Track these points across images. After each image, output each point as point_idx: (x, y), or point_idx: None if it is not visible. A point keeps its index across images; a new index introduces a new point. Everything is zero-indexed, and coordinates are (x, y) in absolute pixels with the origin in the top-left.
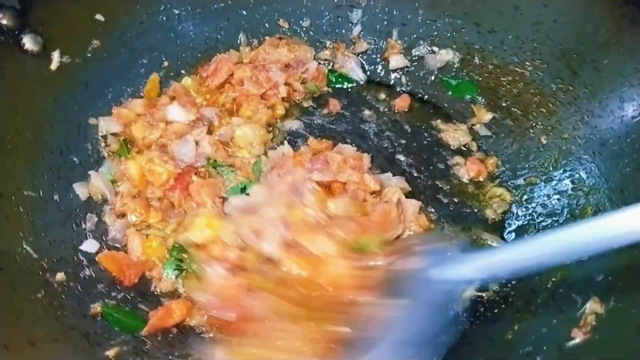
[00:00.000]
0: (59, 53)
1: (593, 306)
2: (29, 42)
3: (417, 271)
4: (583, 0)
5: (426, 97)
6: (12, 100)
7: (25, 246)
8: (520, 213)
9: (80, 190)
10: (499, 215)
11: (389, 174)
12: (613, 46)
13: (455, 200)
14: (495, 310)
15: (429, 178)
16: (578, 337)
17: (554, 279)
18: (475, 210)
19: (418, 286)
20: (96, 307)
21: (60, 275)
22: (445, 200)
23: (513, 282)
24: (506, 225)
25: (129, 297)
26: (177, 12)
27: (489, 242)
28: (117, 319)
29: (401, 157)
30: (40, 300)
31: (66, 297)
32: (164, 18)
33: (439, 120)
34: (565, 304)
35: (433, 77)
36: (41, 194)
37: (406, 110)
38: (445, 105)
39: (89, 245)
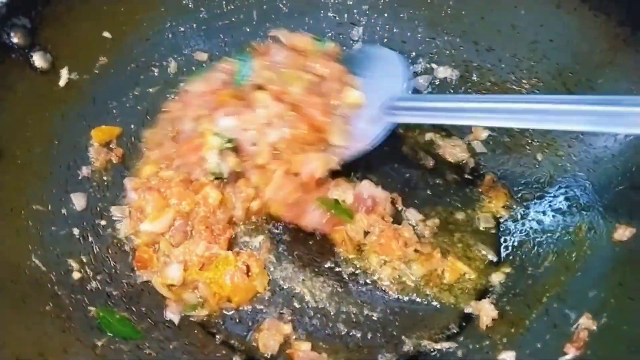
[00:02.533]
0: (67, 70)
1: (586, 322)
2: (38, 60)
3: None
4: (579, 20)
5: None
6: (22, 116)
7: (34, 259)
8: (515, 228)
9: (77, 200)
10: (493, 230)
11: None
12: (607, 66)
13: (450, 210)
14: (490, 325)
15: (424, 188)
16: (571, 352)
17: (548, 294)
18: (470, 223)
19: None
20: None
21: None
22: (440, 211)
23: (509, 296)
24: (502, 240)
25: (128, 307)
26: (182, 29)
27: (485, 255)
28: (110, 324)
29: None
30: (49, 312)
31: (73, 309)
32: (170, 35)
33: (437, 136)
34: (559, 319)
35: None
36: (50, 207)
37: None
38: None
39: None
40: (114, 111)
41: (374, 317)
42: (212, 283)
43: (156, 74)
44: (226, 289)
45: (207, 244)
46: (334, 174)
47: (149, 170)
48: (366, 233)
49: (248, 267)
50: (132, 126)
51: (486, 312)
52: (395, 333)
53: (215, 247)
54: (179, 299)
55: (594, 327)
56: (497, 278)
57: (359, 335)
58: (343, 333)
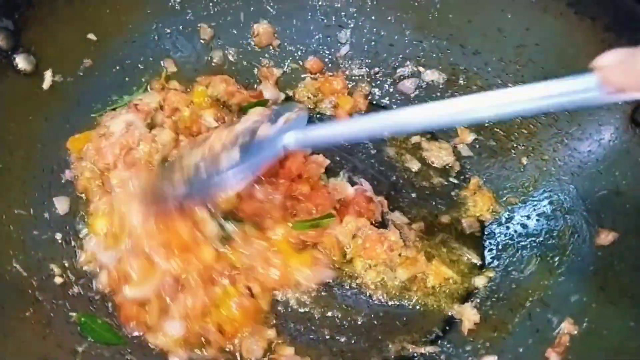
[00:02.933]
0: (52, 72)
1: (567, 327)
2: (21, 62)
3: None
4: (565, 25)
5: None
6: (5, 119)
7: (15, 264)
8: (499, 232)
9: (60, 204)
10: (478, 234)
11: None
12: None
13: (435, 214)
14: (473, 329)
15: (409, 192)
16: (552, 357)
17: (531, 299)
18: (455, 226)
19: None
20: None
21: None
22: (425, 214)
23: (493, 300)
24: (486, 244)
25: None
26: (168, 30)
27: (469, 258)
28: (91, 329)
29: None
30: (29, 318)
31: (55, 315)
32: (156, 36)
33: (423, 139)
34: (541, 323)
35: (418, 98)
36: (32, 212)
37: None
38: None
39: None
40: (99, 114)
41: (358, 322)
42: (221, 323)
43: (142, 76)
44: (237, 321)
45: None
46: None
47: (101, 224)
48: (352, 237)
49: (249, 287)
50: None
51: (468, 316)
52: (379, 337)
53: (215, 289)
54: (184, 345)
55: (576, 332)
56: (480, 282)
57: (343, 339)
58: (327, 337)
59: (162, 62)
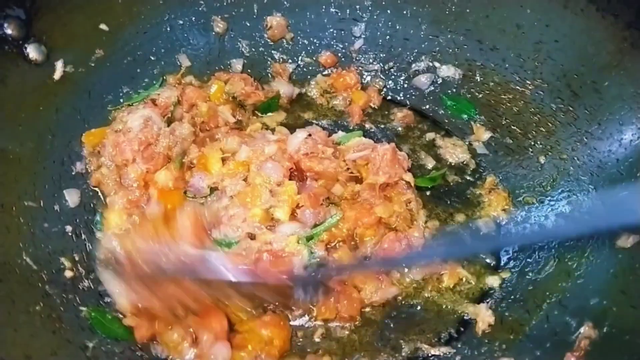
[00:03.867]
0: (63, 62)
1: (587, 331)
2: (33, 52)
3: None
4: (585, 21)
5: (426, 112)
6: (15, 110)
7: (25, 257)
8: (516, 232)
9: (70, 196)
10: (493, 233)
11: None
12: (614, 69)
13: (450, 212)
14: (488, 330)
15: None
16: None
17: (548, 301)
18: (471, 226)
19: None
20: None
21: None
22: (440, 212)
23: (509, 301)
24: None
25: None
26: (181, 22)
27: (485, 258)
28: (101, 324)
29: None
30: (38, 312)
31: (64, 310)
32: (168, 28)
33: (438, 136)
34: (560, 326)
35: (433, 93)
36: (42, 204)
37: (407, 124)
38: (445, 121)
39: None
40: (110, 106)
41: (372, 320)
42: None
43: (154, 68)
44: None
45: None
46: None
47: (117, 219)
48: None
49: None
50: None
51: (483, 317)
52: (392, 336)
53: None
54: None
55: (596, 336)
56: (496, 283)
57: (356, 337)
58: (341, 335)
59: (176, 57)
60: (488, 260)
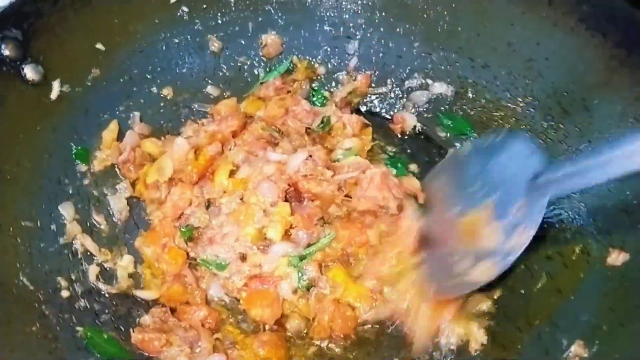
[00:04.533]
0: (59, 82)
1: (577, 350)
2: (30, 72)
3: None
4: (575, 40)
5: (419, 128)
6: (12, 130)
7: (21, 278)
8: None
9: (66, 210)
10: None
11: None
12: (603, 87)
13: None
14: (480, 349)
15: None
16: None
17: (540, 318)
18: None
19: None
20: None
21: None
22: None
23: (500, 318)
24: None
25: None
26: (176, 40)
27: None
28: (97, 344)
29: None
30: (35, 333)
31: (61, 330)
32: (164, 47)
33: (433, 151)
34: (551, 345)
35: (427, 111)
36: (39, 224)
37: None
38: (440, 137)
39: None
40: (107, 124)
41: (366, 338)
42: None
43: (150, 86)
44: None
45: None
46: None
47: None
48: None
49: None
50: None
51: (475, 336)
52: (386, 354)
53: None
54: None
55: (586, 355)
56: (488, 299)
57: (351, 356)
58: (335, 354)
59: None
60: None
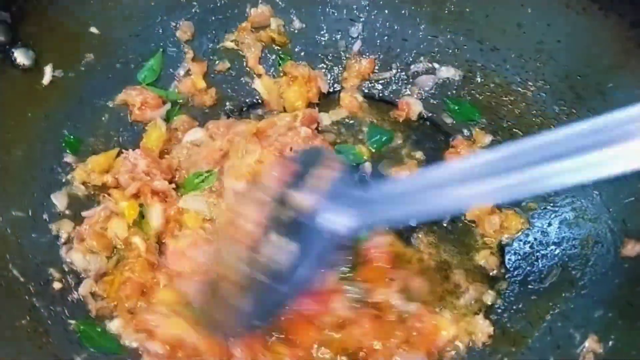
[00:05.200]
0: (52, 67)
1: (591, 345)
2: (20, 57)
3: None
4: (588, 21)
5: (425, 114)
6: (2, 117)
7: (11, 269)
8: (518, 240)
9: (58, 200)
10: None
11: None
12: (619, 70)
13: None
14: (490, 343)
15: None
16: None
17: (551, 312)
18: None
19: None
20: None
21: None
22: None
23: (511, 312)
24: (505, 251)
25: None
26: (173, 24)
27: (485, 267)
28: (91, 338)
29: None
30: (25, 326)
31: (52, 323)
32: (160, 30)
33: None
34: (563, 339)
35: (434, 96)
36: (30, 213)
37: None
38: (447, 123)
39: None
40: (102, 111)
41: None
42: None
43: (145, 72)
44: None
45: None
46: None
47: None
48: None
49: None
50: (120, 129)
51: (481, 328)
52: None
53: None
54: None
55: (601, 350)
56: (497, 293)
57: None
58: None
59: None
60: (495, 272)
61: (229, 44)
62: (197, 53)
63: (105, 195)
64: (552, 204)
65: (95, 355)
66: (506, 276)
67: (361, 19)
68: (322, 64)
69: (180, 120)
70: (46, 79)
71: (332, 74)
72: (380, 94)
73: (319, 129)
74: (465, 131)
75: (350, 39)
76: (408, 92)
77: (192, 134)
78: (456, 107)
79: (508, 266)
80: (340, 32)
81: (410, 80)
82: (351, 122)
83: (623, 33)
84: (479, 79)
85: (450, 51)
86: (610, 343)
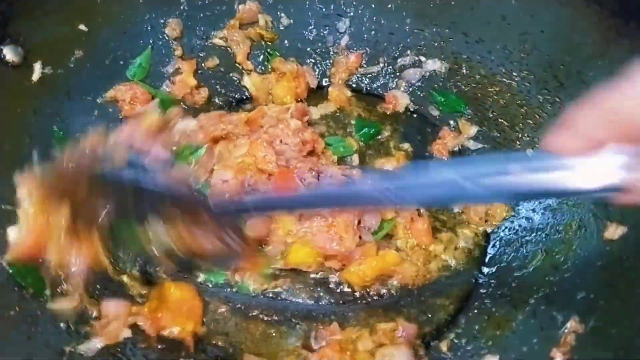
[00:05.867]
0: (41, 64)
1: (573, 325)
2: (9, 53)
3: None
4: (570, 11)
5: (412, 107)
6: None
7: (0, 261)
8: (503, 226)
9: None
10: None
11: None
12: (599, 58)
13: None
14: (476, 327)
15: None
16: (557, 357)
17: (535, 296)
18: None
19: None
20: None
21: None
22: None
23: (495, 297)
24: (490, 238)
25: None
26: (162, 21)
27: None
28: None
29: None
30: (13, 317)
31: (41, 313)
32: (149, 27)
33: (427, 130)
34: (546, 322)
35: (420, 89)
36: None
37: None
38: (433, 115)
39: None
40: (91, 107)
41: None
42: None
43: (134, 68)
44: None
45: None
46: None
47: None
48: None
49: None
50: (110, 125)
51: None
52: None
53: None
54: None
55: (582, 331)
56: (482, 278)
57: None
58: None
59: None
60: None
61: (217, 41)
62: (186, 50)
63: None
64: None
65: (83, 346)
66: (491, 262)
67: (348, 14)
68: (310, 59)
69: (174, 111)
70: (35, 76)
71: (320, 68)
72: (368, 88)
73: (309, 122)
74: (452, 122)
75: (337, 34)
76: (395, 85)
77: (184, 123)
78: (442, 99)
79: (493, 252)
80: (327, 28)
81: (397, 73)
82: (339, 115)
83: (603, 22)
84: (464, 71)
85: (436, 44)
86: (591, 323)
